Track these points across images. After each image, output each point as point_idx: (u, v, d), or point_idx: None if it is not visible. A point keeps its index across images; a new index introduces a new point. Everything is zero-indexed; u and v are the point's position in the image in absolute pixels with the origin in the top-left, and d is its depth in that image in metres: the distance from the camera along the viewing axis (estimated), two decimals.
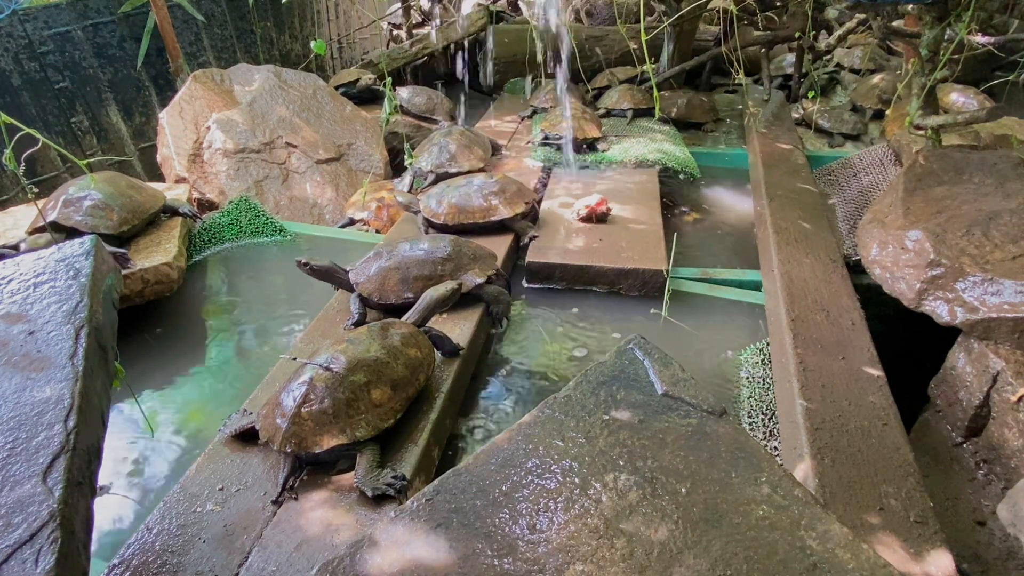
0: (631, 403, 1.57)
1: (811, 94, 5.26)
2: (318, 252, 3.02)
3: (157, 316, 3.14)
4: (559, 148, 4.58)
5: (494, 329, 2.98)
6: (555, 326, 3.03)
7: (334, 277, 2.80)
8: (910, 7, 4.56)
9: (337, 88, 5.55)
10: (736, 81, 5.12)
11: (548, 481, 1.42)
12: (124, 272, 2.90)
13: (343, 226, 4.12)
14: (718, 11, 6.03)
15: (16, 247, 3.11)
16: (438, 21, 6.97)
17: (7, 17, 4.44)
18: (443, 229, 3.46)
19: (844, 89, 5.98)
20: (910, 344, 2.74)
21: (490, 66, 6.58)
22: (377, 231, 3.99)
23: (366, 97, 5.66)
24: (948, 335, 2.50)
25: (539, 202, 3.84)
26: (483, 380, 2.73)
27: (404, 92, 5.67)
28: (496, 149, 4.78)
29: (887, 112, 5.14)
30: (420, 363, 2.21)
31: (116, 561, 1.73)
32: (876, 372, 2.39)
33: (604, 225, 3.54)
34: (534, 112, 5.50)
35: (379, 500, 1.87)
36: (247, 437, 2.10)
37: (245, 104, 4.64)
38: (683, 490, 1.38)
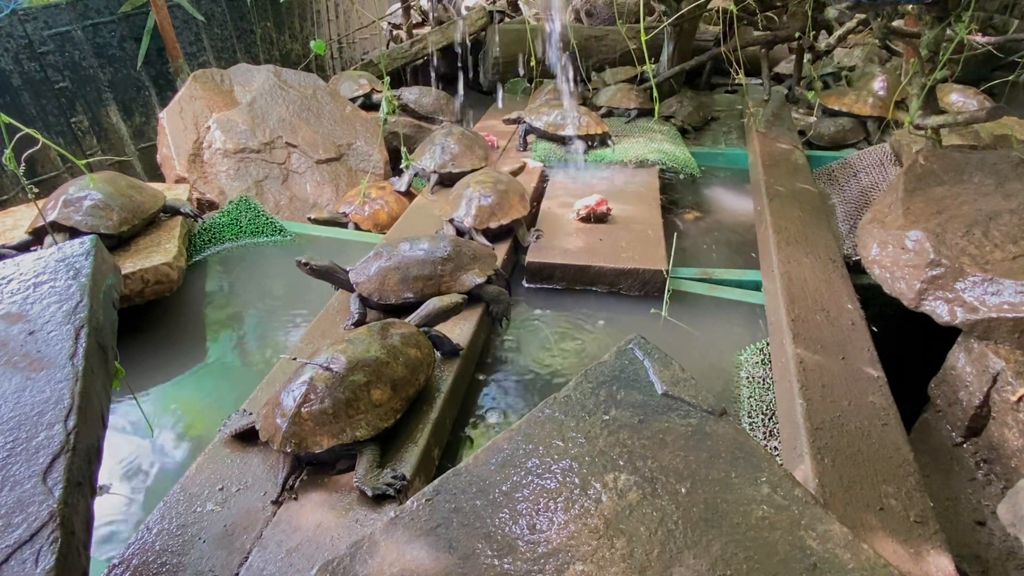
0: (631, 403, 1.57)
1: (811, 95, 5.24)
2: (318, 252, 3.02)
3: (157, 316, 3.14)
4: (563, 145, 4.56)
5: (500, 329, 2.98)
6: (555, 326, 3.03)
7: (334, 277, 2.80)
8: (910, 7, 4.55)
9: (354, 100, 5.50)
10: (736, 81, 5.12)
11: (548, 481, 1.42)
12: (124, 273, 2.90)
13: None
14: (718, 11, 6.03)
15: (24, 247, 3.11)
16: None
17: (7, 17, 4.43)
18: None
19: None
20: (910, 344, 2.74)
21: (490, 66, 6.57)
22: (357, 225, 4.01)
23: (366, 103, 5.63)
24: (948, 335, 2.49)
25: (539, 201, 3.84)
26: (483, 380, 2.73)
27: (411, 93, 5.64)
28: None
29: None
30: (420, 363, 2.21)
31: (116, 561, 1.73)
32: (876, 372, 2.38)
33: (604, 225, 3.54)
34: (518, 120, 4.94)
35: (379, 500, 1.87)
36: (247, 437, 2.10)
37: (245, 104, 4.63)
38: (683, 490, 1.38)
